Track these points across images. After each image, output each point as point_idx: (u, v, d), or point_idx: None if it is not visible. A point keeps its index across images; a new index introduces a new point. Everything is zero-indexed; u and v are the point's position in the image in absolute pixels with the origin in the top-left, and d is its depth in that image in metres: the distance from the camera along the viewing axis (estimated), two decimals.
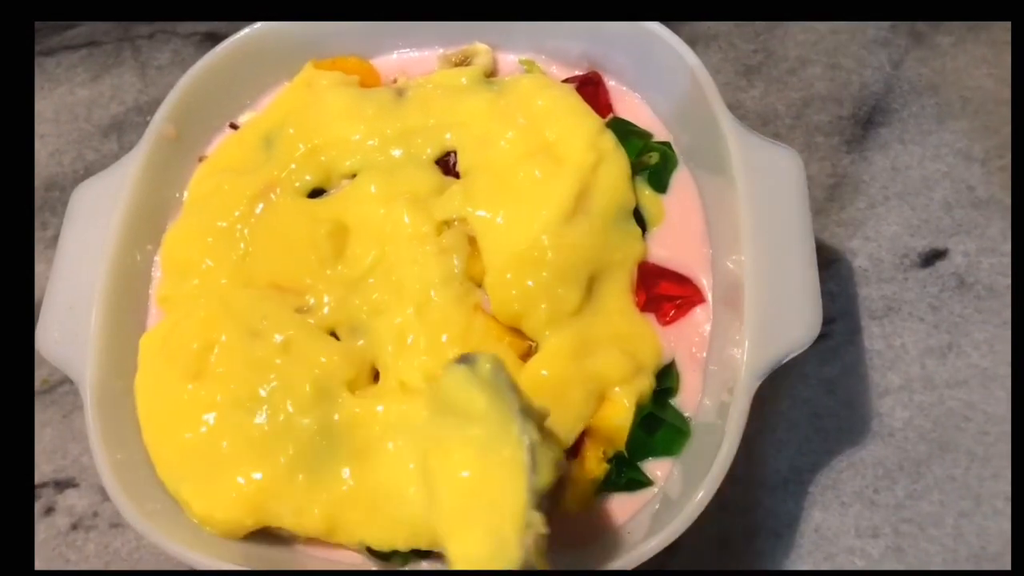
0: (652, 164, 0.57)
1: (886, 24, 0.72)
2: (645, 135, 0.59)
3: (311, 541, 0.51)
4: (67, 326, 0.55)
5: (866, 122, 0.69)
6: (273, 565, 0.50)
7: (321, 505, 0.49)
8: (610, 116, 0.60)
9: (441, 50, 0.63)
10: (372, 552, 0.50)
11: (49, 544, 0.61)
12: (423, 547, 0.48)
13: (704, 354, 0.53)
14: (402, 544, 0.48)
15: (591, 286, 0.52)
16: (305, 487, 0.49)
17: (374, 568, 0.51)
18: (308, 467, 0.50)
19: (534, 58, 0.62)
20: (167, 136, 0.60)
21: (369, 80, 0.62)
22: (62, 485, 0.63)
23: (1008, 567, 0.55)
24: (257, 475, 0.50)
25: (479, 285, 0.53)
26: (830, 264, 0.64)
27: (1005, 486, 0.57)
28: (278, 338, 0.53)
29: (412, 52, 0.64)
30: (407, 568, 0.51)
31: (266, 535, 0.51)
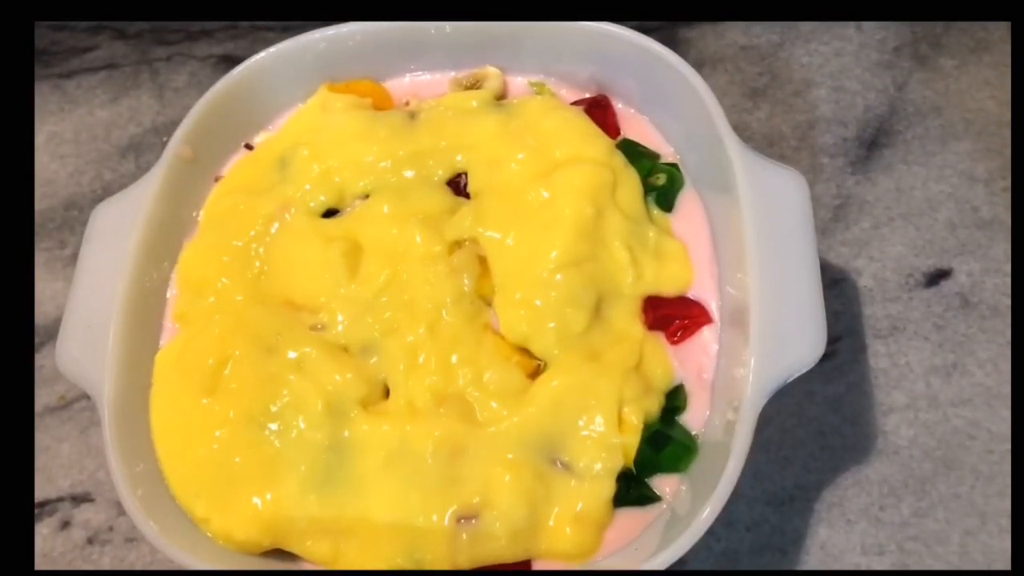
0: (659, 185, 0.58)
1: (890, 47, 0.73)
2: (653, 156, 0.60)
3: None
4: (85, 343, 0.55)
5: (871, 144, 0.70)
6: None
7: (329, 533, 0.50)
8: (619, 138, 0.61)
9: (453, 73, 0.64)
10: None
11: (65, 558, 0.62)
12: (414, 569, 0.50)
13: (711, 373, 0.54)
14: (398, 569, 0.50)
15: (599, 306, 0.53)
16: (316, 508, 0.50)
17: None
18: (319, 487, 0.50)
19: (544, 81, 0.63)
20: (184, 157, 0.61)
21: (382, 103, 0.64)
22: (78, 499, 0.64)
23: None
24: (270, 495, 0.51)
25: (489, 304, 0.54)
26: (835, 284, 0.64)
27: (1009, 504, 0.57)
28: (292, 355, 0.54)
29: (424, 75, 0.65)
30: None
31: (282, 550, 0.52)
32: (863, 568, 0.57)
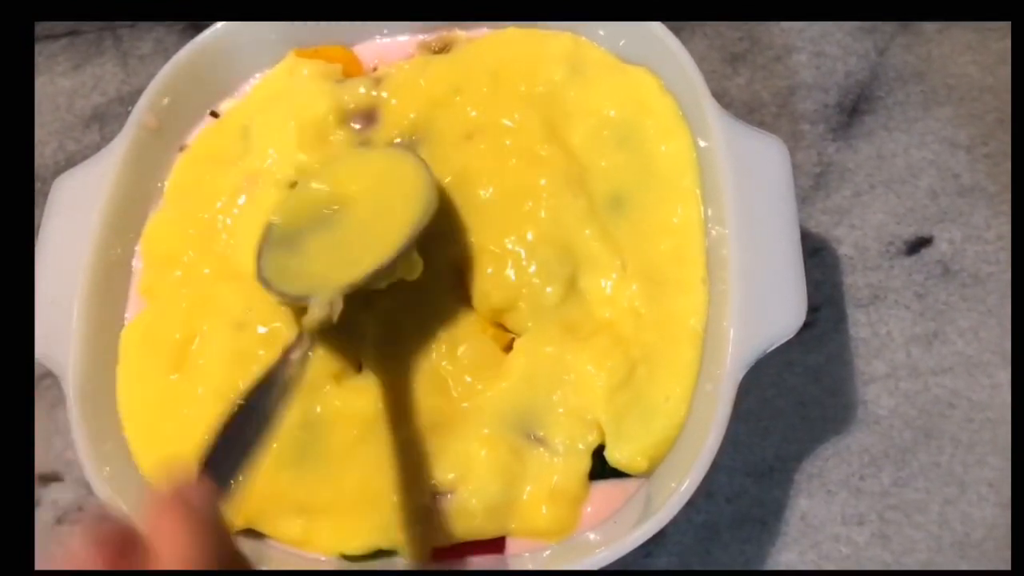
0: None
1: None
2: None
3: None
4: (49, 320, 0.54)
5: (852, 110, 0.69)
6: (263, 561, 0.50)
7: (302, 512, 0.49)
8: None
9: (421, 36, 0.62)
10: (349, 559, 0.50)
11: (35, 538, 0.61)
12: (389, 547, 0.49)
13: None
14: (372, 547, 0.49)
15: (576, 279, 0.52)
16: (290, 486, 0.49)
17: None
18: (292, 465, 0.49)
19: None
20: (148, 127, 0.59)
21: (351, 68, 0.62)
22: (47, 479, 0.63)
23: (991, 553, 0.55)
24: (242, 476, 0.49)
25: (463, 276, 0.53)
26: (816, 252, 0.64)
27: (989, 473, 0.57)
28: (262, 330, 0.53)
29: (391, 39, 0.63)
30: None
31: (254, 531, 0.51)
32: (842, 537, 0.57)
